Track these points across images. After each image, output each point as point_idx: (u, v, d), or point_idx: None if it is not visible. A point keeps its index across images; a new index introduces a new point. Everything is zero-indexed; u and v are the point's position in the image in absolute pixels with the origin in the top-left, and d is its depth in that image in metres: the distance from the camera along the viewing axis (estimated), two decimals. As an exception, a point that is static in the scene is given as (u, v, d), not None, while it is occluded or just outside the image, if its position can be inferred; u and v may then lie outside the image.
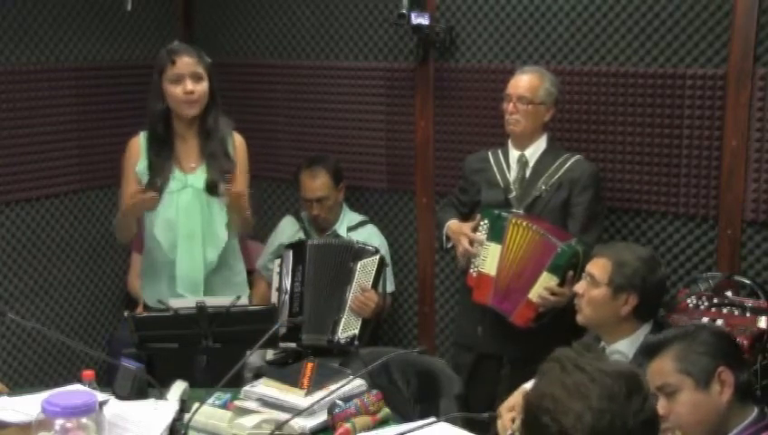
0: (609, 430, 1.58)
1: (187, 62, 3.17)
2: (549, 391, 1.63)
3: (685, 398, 2.15)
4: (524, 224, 3.24)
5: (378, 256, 3.69)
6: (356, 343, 3.56)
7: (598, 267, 2.78)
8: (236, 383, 2.73)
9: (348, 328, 3.62)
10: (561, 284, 3.16)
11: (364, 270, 3.67)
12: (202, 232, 3.23)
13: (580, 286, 2.83)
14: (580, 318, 2.83)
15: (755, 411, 2.16)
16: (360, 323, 3.64)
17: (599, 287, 2.75)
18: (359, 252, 3.71)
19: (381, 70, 4.09)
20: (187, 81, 3.15)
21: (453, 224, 3.48)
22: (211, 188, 3.21)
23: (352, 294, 3.64)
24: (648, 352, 2.27)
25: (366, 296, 3.63)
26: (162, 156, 3.24)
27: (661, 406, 2.16)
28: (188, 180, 3.23)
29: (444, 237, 3.53)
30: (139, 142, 3.28)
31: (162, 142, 3.25)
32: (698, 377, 2.13)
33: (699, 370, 2.13)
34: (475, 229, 3.38)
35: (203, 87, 3.19)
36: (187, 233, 3.22)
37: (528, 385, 2.31)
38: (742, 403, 2.15)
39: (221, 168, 3.22)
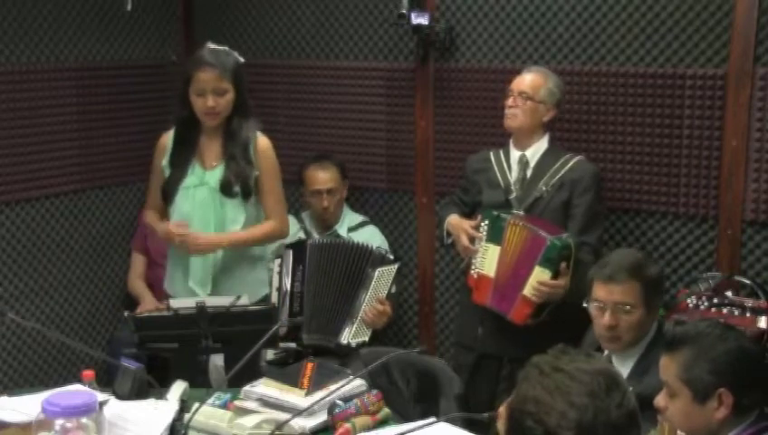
0: (594, 424, 1.58)
1: (209, 78, 3.23)
2: (530, 394, 1.63)
3: (680, 404, 2.16)
4: (520, 224, 3.24)
5: (396, 266, 3.68)
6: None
7: (626, 293, 2.67)
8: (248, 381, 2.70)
9: (359, 335, 3.61)
10: (555, 277, 3.15)
11: (382, 278, 3.65)
12: (214, 230, 3.29)
13: (611, 319, 2.68)
14: (617, 347, 2.71)
15: (755, 412, 2.16)
16: (370, 331, 3.63)
17: (636, 309, 2.66)
18: (379, 258, 3.68)
19: (381, 70, 4.09)
20: (208, 96, 3.23)
21: (453, 219, 3.48)
22: (225, 188, 3.25)
23: (366, 302, 3.63)
24: (666, 343, 2.26)
25: (380, 311, 3.61)
26: (183, 152, 3.33)
27: (662, 398, 2.20)
28: (205, 177, 3.31)
29: (444, 233, 3.53)
30: (168, 138, 3.39)
31: (186, 140, 3.34)
32: (697, 391, 2.13)
33: (699, 385, 2.13)
34: (476, 228, 3.38)
35: (226, 100, 3.26)
36: (201, 229, 3.29)
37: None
38: (741, 415, 2.14)
39: (237, 169, 3.27)
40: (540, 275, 3.16)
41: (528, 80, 3.36)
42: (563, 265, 3.14)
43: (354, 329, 3.62)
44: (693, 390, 2.13)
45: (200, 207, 3.30)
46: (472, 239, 3.36)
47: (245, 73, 3.37)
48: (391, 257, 3.71)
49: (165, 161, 3.36)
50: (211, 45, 3.35)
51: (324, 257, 3.69)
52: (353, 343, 3.59)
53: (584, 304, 2.81)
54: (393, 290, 3.73)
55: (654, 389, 2.27)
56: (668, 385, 2.18)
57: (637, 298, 2.67)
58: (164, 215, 3.42)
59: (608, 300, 2.69)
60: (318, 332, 3.64)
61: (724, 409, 2.11)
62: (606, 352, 2.76)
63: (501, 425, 2.04)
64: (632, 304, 2.67)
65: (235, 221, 3.33)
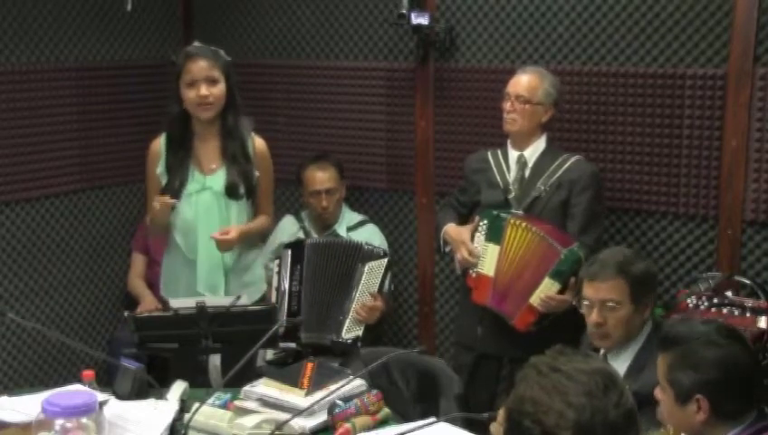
0: (592, 424, 1.58)
1: (201, 67, 3.21)
2: (528, 394, 1.63)
3: (666, 402, 2.20)
4: (523, 225, 3.24)
5: (386, 259, 3.69)
6: (359, 344, 3.57)
7: (611, 290, 2.68)
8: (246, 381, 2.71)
9: (352, 329, 3.62)
10: (563, 289, 3.15)
11: (372, 272, 3.66)
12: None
13: (598, 317, 2.69)
14: (607, 344, 2.72)
15: (754, 413, 2.16)
16: (363, 325, 3.64)
17: (623, 306, 2.67)
18: (368, 253, 3.70)
19: (381, 70, 4.09)
20: (201, 85, 3.20)
21: (451, 229, 3.47)
22: (231, 191, 3.25)
23: (358, 297, 3.64)
24: (660, 339, 2.28)
25: (373, 306, 3.62)
26: (179, 157, 3.30)
27: (658, 390, 2.22)
28: (207, 182, 3.29)
29: (441, 241, 3.53)
30: (160, 144, 3.34)
31: (179, 143, 3.30)
32: (678, 393, 2.15)
33: (680, 388, 2.14)
34: (474, 232, 3.38)
35: (218, 90, 3.23)
36: (206, 235, 3.27)
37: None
38: (730, 419, 2.14)
39: (240, 170, 3.26)
40: (549, 286, 3.16)
41: (524, 82, 3.35)
42: (572, 280, 3.13)
43: (347, 325, 3.62)
44: (675, 391, 2.15)
45: (204, 212, 3.28)
46: (470, 252, 3.36)
47: (236, 72, 3.36)
48: (380, 252, 3.72)
49: (160, 168, 3.32)
50: (197, 43, 3.38)
51: (321, 256, 3.70)
52: (347, 338, 3.60)
53: (575, 303, 2.84)
54: (386, 287, 3.74)
55: (651, 386, 2.27)
56: (660, 381, 2.20)
57: (623, 295, 2.68)
58: None
59: (594, 298, 2.71)
60: (316, 330, 3.64)
61: (702, 414, 2.12)
62: (602, 352, 2.77)
63: (495, 430, 2.05)
64: (618, 301, 2.68)
65: (240, 223, 3.32)
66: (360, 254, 3.69)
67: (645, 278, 2.72)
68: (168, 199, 3.23)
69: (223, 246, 3.25)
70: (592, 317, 2.71)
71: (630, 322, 2.70)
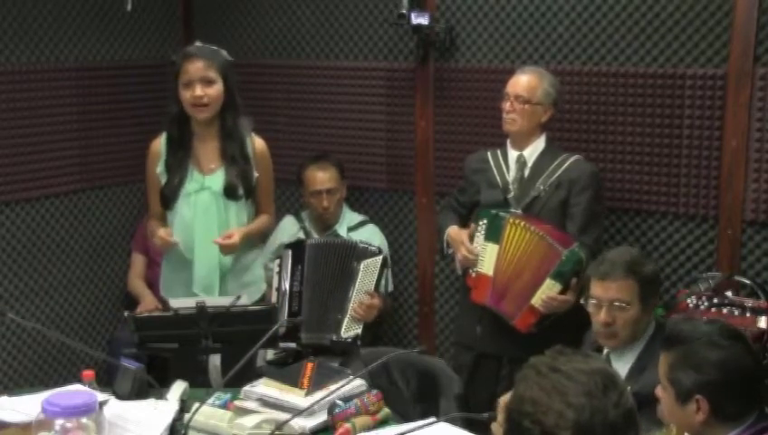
0: (591, 424, 1.58)
1: (196, 67, 3.20)
2: (527, 394, 1.64)
3: (666, 400, 2.20)
4: (522, 224, 3.24)
5: (381, 257, 3.70)
6: (358, 342, 3.57)
7: (621, 290, 2.68)
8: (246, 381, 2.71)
9: (350, 328, 3.63)
10: (565, 289, 3.15)
11: (367, 270, 3.67)
12: (219, 235, 3.26)
13: (607, 316, 2.69)
14: (614, 343, 2.72)
15: (755, 413, 2.16)
16: (362, 323, 3.65)
17: (632, 306, 2.68)
18: (362, 252, 3.71)
19: (381, 70, 4.09)
20: (196, 85, 3.20)
21: (453, 231, 3.48)
22: (230, 192, 3.24)
23: (356, 296, 3.64)
24: (664, 338, 2.28)
25: (370, 304, 3.62)
26: (179, 157, 3.30)
27: (659, 388, 2.23)
28: (206, 182, 3.28)
29: (444, 244, 3.53)
30: (160, 144, 3.35)
31: (179, 143, 3.30)
32: (678, 393, 2.15)
33: (680, 387, 2.14)
34: (473, 234, 3.38)
35: (214, 91, 3.22)
36: (204, 235, 3.26)
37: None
38: (731, 420, 2.14)
39: (239, 170, 3.25)
40: (551, 287, 3.17)
41: (524, 82, 3.35)
42: (573, 280, 3.14)
43: (345, 323, 3.63)
44: (675, 390, 2.16)
45: (203, 212, 3.28)
46: (469, 252, 3.36)
47: (236, 72, 3.36)
48: (374, 250, 3.73)
49: (160, 168, 3.32)
50: (198, 43, 3.38)
51: (319, 256, 3.71)
52: (346, 337, 3.60)
53: (581, 302, 2.83)
54: (383, 285, 3.74)
55: (651, 387, 2.28)
56: (660, 380, 2.20)
57: (632, 295, 2.68)
58: (165, 221, 3.40)
59: (604, 297, 2.71)
60: (316, 330, 3.64)
61: (701, 414, 2.12)
62: (605, 352, 2.76)
63: (495, 430, 2.04)
64: (628, 302, 2.68)
65: (239, 223, 3.32)
66: (355, 252, 3.71)
67: (653, 279, 2.74)
68: (168, 238, 3.24)
69: (226, 250, 3.25)
70: (601, 317, 2.71)
71: (638, 322, 2.70)
